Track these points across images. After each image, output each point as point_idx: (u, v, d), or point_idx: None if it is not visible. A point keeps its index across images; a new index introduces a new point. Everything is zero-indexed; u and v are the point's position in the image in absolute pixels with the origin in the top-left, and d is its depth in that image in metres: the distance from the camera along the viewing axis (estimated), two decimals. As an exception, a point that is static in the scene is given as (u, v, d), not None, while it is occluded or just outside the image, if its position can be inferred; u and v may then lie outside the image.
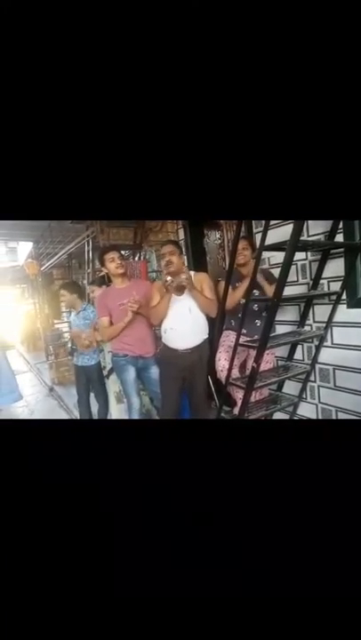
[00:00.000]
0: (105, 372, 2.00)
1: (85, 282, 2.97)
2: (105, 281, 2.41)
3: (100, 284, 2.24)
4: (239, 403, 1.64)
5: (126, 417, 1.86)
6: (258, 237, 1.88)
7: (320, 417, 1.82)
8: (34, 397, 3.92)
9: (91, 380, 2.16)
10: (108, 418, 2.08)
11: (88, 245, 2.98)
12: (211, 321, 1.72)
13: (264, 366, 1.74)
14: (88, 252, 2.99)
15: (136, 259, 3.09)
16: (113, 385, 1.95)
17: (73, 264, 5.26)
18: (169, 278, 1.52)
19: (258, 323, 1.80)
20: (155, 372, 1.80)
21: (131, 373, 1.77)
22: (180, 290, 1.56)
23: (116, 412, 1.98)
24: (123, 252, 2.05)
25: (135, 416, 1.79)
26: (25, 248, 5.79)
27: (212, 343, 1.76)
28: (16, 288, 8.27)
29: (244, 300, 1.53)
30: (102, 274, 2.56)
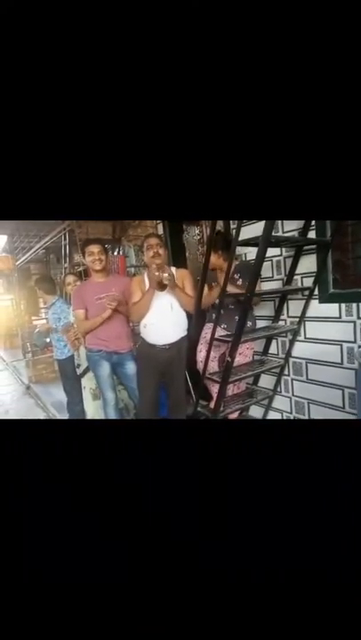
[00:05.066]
0: (79, 371, 1.96)
1: (63, 277, 2.90)
2: (82, 274, 2.36)
3: (79, 276, 2.20)
4: (216, 397, 1.65)
5: (102, 414, 1.84)
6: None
7: (293, 409, 1.87)
8: (9, 396, 3.79)
9: (63, 375, 2.14)
10: (83, 415, 2.05)
11: (65, 239, 2.91)
12: (189, 317, 1.72)
13: (242, 360, 1.77)
14: (65, 245, 2.92)
15: (115, 253, 3.04)
16: (89, 382, 1.92)
17: (51, 259, 5.12)
18: (157, 273, 1.50)
19: (237, 318, 1.82)
20: (130, 367, 1.79)
21: (105, 369, 1.75)
22: (162, 286, 1.55)
23: (92, 408, 1.95)
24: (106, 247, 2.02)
25: (111, 412, 1.77)
26: (-2, 241, 5.56)
27: (189, 339, 1.76)
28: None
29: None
30: (81, 268, 2.51)
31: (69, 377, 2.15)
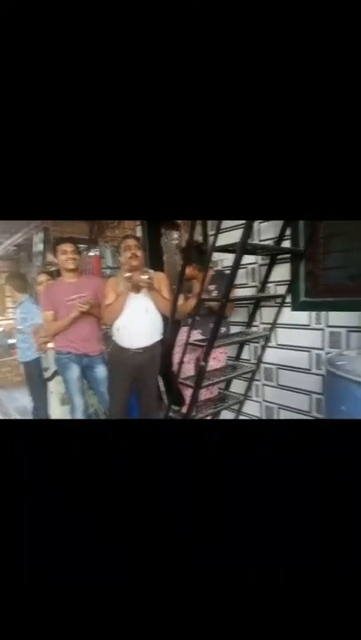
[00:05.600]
0: (47, 374, 1.87)
1: (36, 275, 2.77)
2: (54, 274, 2.28)
3: (52, 276, 2.12)
4: (189, 402, 1.64)
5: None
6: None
7: (264, 415, 1.90)
8: (-32, 400, 3.53)
9: (28, 379, 2.03)
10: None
11: (37, 236, 2.79)
12: (165, 321, 1.71)
13: (215, 364, 1.78)
14: (37, 243, 2.80)
15: (91, 254, 2.97)
16: (57, 386, 1.83)
17: (21, 256, 4.90)
18: (127, 275, 1.47)
19: (212, 324, 1.83)
20: (101, 370, 1.73)
21: (74, 372, 1.68)
22: (138, 288, 1.52)
23: (59, 414, 1.86)
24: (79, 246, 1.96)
25: (79, 417, 1.70)
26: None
27: (164, 343, 1.75)
28: None
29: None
30: (53, 267, 2.42)
31: (35, 381, 2.04)
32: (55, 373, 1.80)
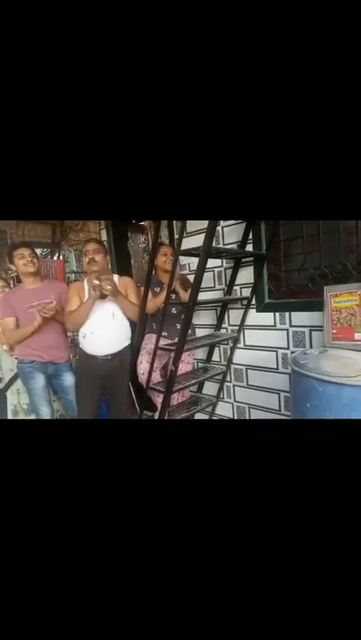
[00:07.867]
0: (1, 385, 1.76)
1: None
2: (14, 279, 2.16)
3: (8, 284, 2.00)
4: (160, 407, 1.62)
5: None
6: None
7: (235, 414, 1.93)
8: None
9: None
10: None
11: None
12: (132, 326, 1.68)
13: (185, 367, 1.77)
14: (-5, 247, 2.64)
15: (54, 258, 2.85)
16: (12, 396, 1.73)
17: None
18: (96, 282, 1.43)
19: (178, 326, 1.82)
20: (68, 378, 1.66)
21: (39, 381, 1.60)
22: (103, 294, 1.48)
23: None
24: (39, 250, 1.86)
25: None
26: None
27: (133, 348, 1.71)
28: None
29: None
30: (13, 273, 2.29)
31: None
32: (10, 383, 1.70)
